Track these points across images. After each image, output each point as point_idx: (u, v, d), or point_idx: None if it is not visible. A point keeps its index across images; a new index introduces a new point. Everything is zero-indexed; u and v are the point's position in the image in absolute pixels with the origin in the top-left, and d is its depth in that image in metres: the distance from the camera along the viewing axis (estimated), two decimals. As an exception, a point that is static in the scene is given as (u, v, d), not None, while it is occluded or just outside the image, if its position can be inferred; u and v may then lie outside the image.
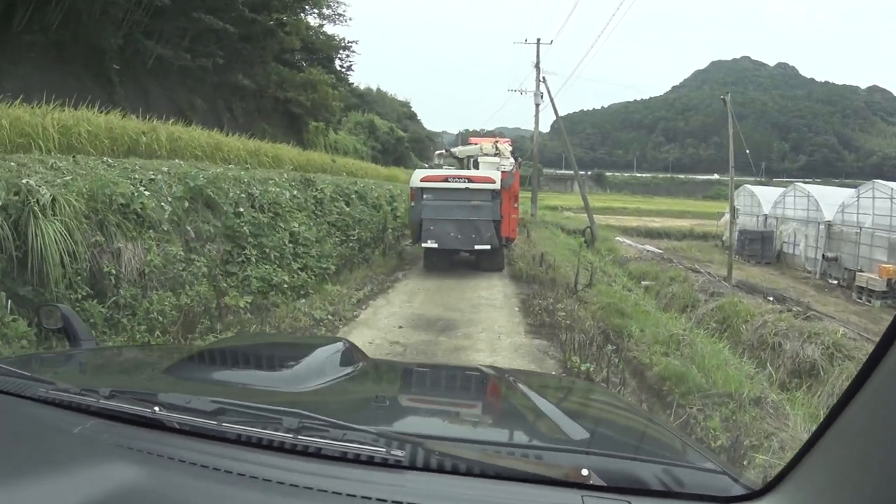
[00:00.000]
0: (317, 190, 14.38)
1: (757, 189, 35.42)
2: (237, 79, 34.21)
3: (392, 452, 1.39)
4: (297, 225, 11.89)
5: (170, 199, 9.33)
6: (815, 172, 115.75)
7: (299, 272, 11.09)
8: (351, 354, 2.45)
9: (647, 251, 29.65)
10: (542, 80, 33.67)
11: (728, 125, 21.63)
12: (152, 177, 9.44)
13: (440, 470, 1.40)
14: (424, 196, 14.64)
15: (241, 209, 10.83)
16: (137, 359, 2.73)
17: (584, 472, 1.35)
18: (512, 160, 18.04)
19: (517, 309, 10.89)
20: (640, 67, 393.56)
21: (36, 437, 1.55)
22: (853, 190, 26.37)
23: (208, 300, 8.71)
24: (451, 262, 15.52)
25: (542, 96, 33.91)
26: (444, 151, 20.81)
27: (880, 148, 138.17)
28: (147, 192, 8.81)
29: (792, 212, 30.02)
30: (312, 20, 41.13)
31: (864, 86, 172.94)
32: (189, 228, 9.61)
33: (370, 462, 1.41)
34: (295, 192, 13.05)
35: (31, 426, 1.61)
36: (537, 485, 1.37)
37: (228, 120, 32.34)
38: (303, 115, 39.68)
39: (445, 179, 14.83)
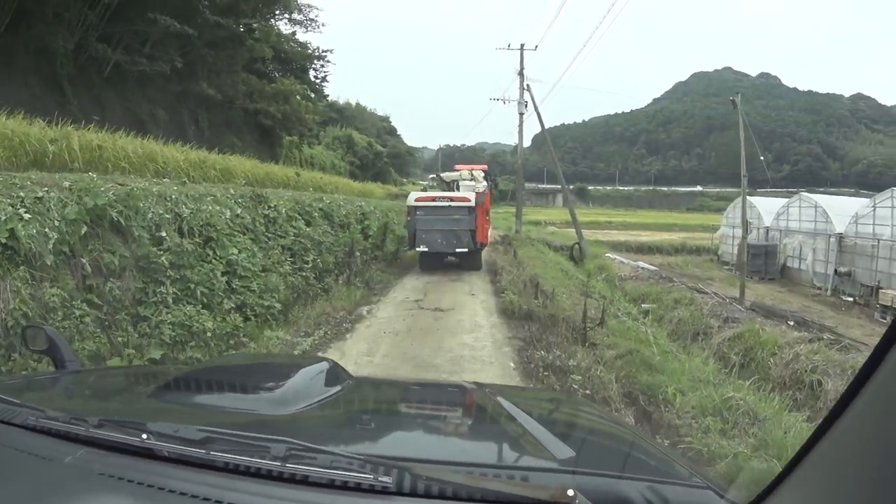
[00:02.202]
0: (269, 207, 12.16)
1: (756, 200, 33.33)
2: (202, 88, 32.09)
3: (379, 479, 1.39)
4: (236, 251, 9.64)
5: (58, 222, 7.13)
6: (799, 182, 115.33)
7: (232, 313, 8.78)
8: (335, 374, 2.41)
9: (642, 268, 27.46)
10: (526, 87, 31.61)
11: (739, 130, 19.69)
12: (41, 194, 7.21)
13: (427, 495, 1.39)
14: (417, 212, 18.51)
15: (164, 233, 8.61)
16: (124, 383, 2.67)
17: (570, 492, 1.32)
18: (485, 184, 22.27)
19: (513, 365, 8.35)
20: (621, 80, 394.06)
21: (28, 467, 1.55)
22: (867, 200, 24.40)
23: (100, 359, 6.52)
24: (442, 263, 19.13)
25: (526, 105, 31.82)
26: (435, 176, 25.50)
27: (865, 156, 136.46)
28: (28, 215, 6.65)
29: (797, 224, 27.99)
30: (284, 28, 39.04)
31: (847, 94, 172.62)
32: (85, 261, 7.38)
33: (358, 489, 1.40)
34: (238, 211, 10.81)
35: (22, 456, 1.58)
36: None
37: (194, 132, 30.50)
38: (275, 128, 37.66)
39: (433, 199, 19.06)
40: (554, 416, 2.44)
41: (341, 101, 73.68)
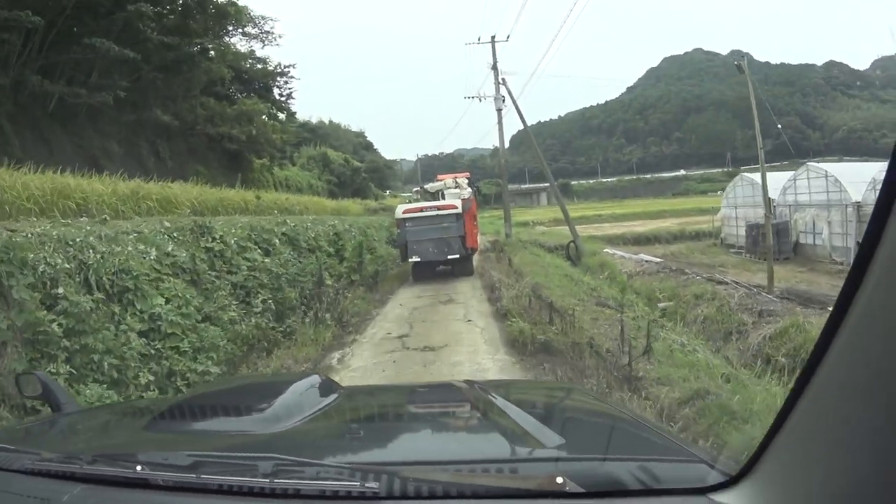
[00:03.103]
0: (214, 239, 10.02)
1: (757, 176, 31.19)
2: (156, 115, 30.00)
3: (367, 485, 1.39)
4: (162, 302, 7.48)
5: None
6: (783, 155, 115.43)
7: (152, 388, 6.58)
8: (325, 387, 2.42)
9: (645, 261, 25.23)
10: (501, 81, 29.63)
11: (750, 98, 17.83)
12: None
13: (417, 496, 1.39)
14: (407, 224, 18.93)
15: (61, 289, 6.49)
16: (118, 418, 2.62)
17: (559, 479, 1.33)
18: (469, 190, 22.63)
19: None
20: (591, 71, 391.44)
21: None
22: (882, 163, 22.39)
23: None
24: (434, 272, 19.19)
25: (503, 100, 29.86)
26: (419, 188, 25.96)
27: (844, 122, 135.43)
28: None
29: (807, 196, 25.91)
30: (240, 44, 37.13)
31: (820, 62, 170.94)
32: (-58, 343, 5.31)
33: (348, 497, 1.41)
34: (170, 248, 8.64)
35: (21, 499, 1.60)
36: (515, 500, 1.38)
37: (154, 164, 28.54)
38: (242, 152, 35.52)
39: (421, 210, 19.49)
40: (544, 406, 2.44)
41: (314, 121, 72.74)
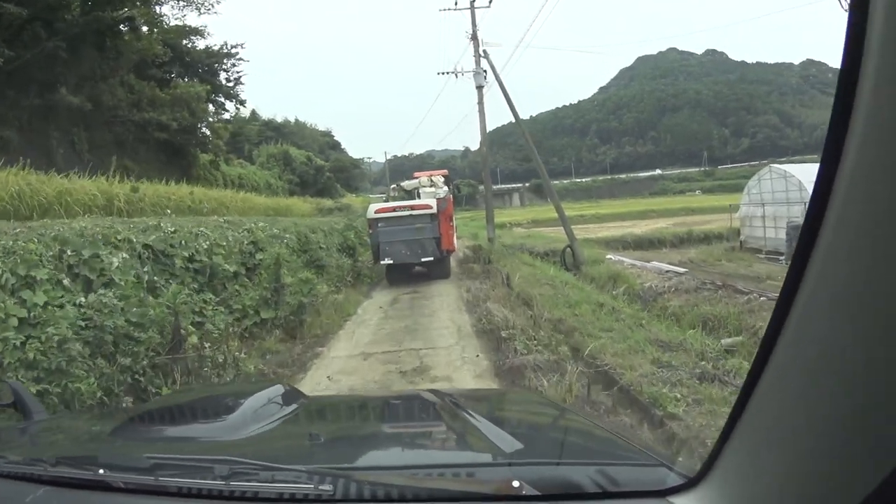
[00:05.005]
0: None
1: (793, 168, 26.31)
2: (63, 97, 24.72)
3: (321, 488, 1.37)
4: None
5: None
6: (761, 154, 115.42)
7: None
8: (289, 396, 2.39)
9: (664, 271, 20.11)
10: (483, 53, 24.71)
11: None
12: None
13: (373, 500, 1.38)
14: (379, 224, 18.37)
15: None
16: (86, 425, 2.64)
17: (516, 483, 1.31)
18: (445, 189, 21.44)
19: None
20: (563, 72, 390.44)
21: None
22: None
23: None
24: (409, 274, 18.77)
25: (484, 75, 25.18)
26: (395, 186, 24.94)
27: (823, 120, 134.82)
28: None
29: (867, 192, 21.23)
30: (175, 18, 31.79)
31: (797, 61, 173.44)
32: None
33: (304, 500, 1.39)
34: None
35: None
36: (471, 503, 1.36)
37: (65, 156, 23.54)
38: (184, 145, 30.25)
39: (394, 210, 18.99)
40: (502, 412, 2.46)
41: (279, 119, 70.15)
